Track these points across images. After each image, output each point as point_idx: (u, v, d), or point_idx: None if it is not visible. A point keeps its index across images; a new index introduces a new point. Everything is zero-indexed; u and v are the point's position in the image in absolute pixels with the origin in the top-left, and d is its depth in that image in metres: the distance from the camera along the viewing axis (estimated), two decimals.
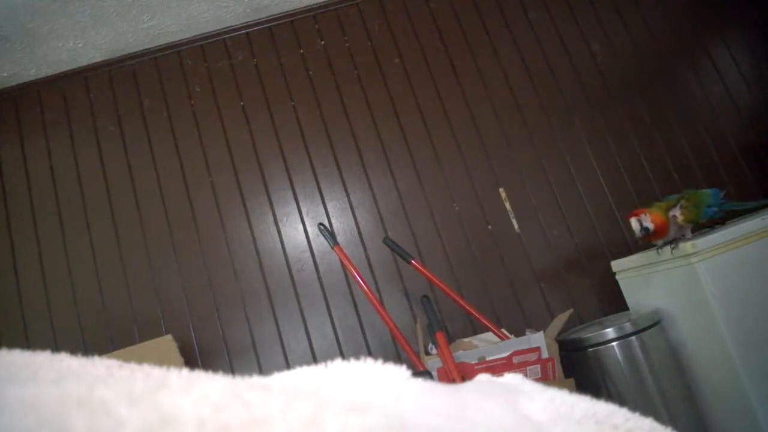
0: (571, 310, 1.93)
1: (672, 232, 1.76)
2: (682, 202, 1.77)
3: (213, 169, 2.38)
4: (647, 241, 1.81)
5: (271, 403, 0.18)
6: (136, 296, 2.23)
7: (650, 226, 1.72)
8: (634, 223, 1.75)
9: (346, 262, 1.98)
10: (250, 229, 2.33)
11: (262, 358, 2.20)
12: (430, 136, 2.43)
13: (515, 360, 1.70)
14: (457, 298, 1.97)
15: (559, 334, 1.87)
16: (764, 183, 2.41)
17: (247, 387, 0.20)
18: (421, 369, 1.78)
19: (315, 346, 2.21)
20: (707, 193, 1.84)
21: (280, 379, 0.29)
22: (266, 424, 0.17)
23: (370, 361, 0.30)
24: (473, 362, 1.73)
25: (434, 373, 1.74)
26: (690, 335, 1.79)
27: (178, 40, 2.49)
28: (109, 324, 2.20)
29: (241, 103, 2.45)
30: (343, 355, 2.18)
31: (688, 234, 1.76)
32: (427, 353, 1.92)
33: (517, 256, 2.30)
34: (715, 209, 1.81)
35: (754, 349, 1.61)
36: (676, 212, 1.76)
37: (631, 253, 2.06)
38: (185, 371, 0.22)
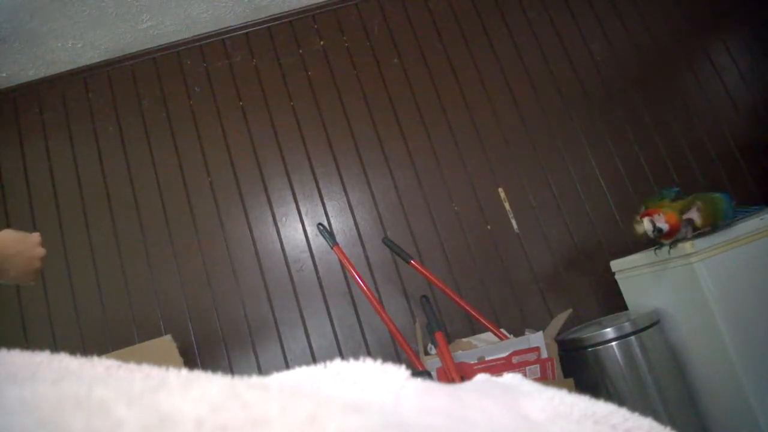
0: (570, 310, 1.93)
1: (681, 233, 1.71)
2: (699, 204, 1.70)
3: (212, 169, 2.38)
4: (660, 241, 1.75)
5: (270, 403, 0.18)
6: (136, 296, 2.23)
7: (664, 226, 1.66)
8: (647, 223, 1.68)
9: (345, 262, 1.98)
10: (249, 229, 2.33)
11: (261, 358, 2.20)
12: (429, 136, 2.43)
13: (514, 360, 1.70)
14: (456, 298, 1.97)
15: (559, 333, 1.87)
16: (764, 182, 2.41)
17: (246, 387, 0.20)
18: (420, 369, 1.78)
19: (314, 346, 2.21)
20: (721, 198, 1.77)
21: (279, 378, 0.29)
22: (265, 424, 0.17)
23: (369, 361, 0.30)
24: (472, 362, 1.73)
25: (433, 373, 1.74)
26: (689, 335, 1.79)
27: (177, 41, 2.49)
28: (109, 324, 2.19)
29: (240, 104, 2.45)
30: (342, 355, 2.18)
31: (689, 234, 1.75)
32: (426, 353, 1.92)
33: (516, 256, 2.30)
34: (732, 217, 1.74)
35: (753, 348, 1.62)
36: (693, 215, 1.70)
37: (630, 253, 2.06)
38: (184, 371, 0.22)
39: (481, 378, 0.39)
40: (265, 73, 2.49)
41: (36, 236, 0.97)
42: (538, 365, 1.68)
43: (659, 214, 1.68)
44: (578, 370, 1.81)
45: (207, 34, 2.50)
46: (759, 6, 2.64)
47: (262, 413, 0.18)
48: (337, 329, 2.23)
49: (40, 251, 0.97)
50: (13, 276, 0.92)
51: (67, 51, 2.33)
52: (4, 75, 2.35)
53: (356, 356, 0.31)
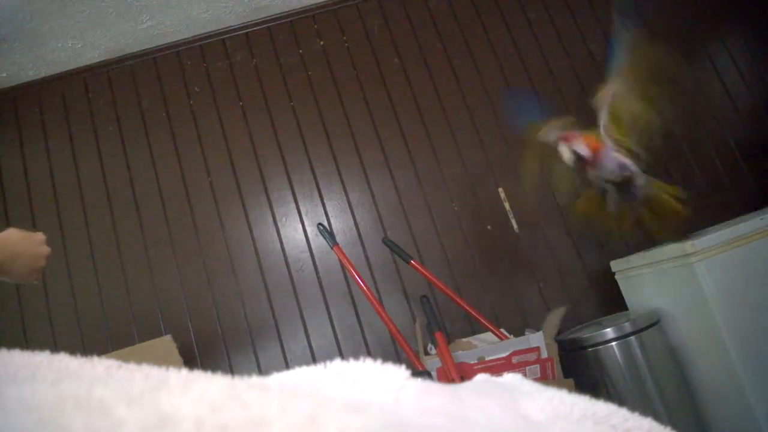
0: (563, 308, 1.93)
1: (610, 163, 1.46)
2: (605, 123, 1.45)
3: (212, 169, 2.38)
4: (583, 170, 1.52)
5: (270, 403, 0.18)
6: (135, 296, 2.23)
7: (584, 152, 1.45)
8: (566, 152, 1.47)
9: (345, 262, 1.98)
10: (249, 229, 2.33)
11: (261, 358, 2.20)
12: (429, 136, 2.43)
13: (514, 360, 1.70)
14: (456, 298, 1.97)
15: (558, 333, 1.87)
16: (764, 182, 2.41)
17: (246, 387, 0.20)
18: (421, 369, 1.78)
19: (314, 346, 2.21)
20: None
21: (279, 379, 0.29)
22: (265, 424, 0.17)
23: (369, 361, 0.30)
24: (472, 362, 1.73)
25: (433, 373, 1.74)
26: (689, 335, 1.79)
27: (177, 41, 2.49)
28: (108, 324, 2.19)
29: (240, 104, 2.45)
30: (342, 355, 2.18)
31: (641, 179, 1.47)
32: (426, 353, 1.92)
33: (516, 255, 2.30)
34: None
35: (753, 348, 1.61)
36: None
37: (630, 253, 2.06)
38: (184, 371, 0.22)
39: (481, 378, 0.39)
40: (265, 73, 2.49)
41: (40, 235, 0.98)
42: (538, 365, 1.68)
43: (578, 138, 1.47)
44: (578, 370, 1.81)
45: (207, 34, 2.50)
46: (759, 6, 2.64)
47: (262, 413, 0.18)
48: (337, 329, 2.23)
49: (45, 250, 0.97)
50: (18, 275, 0.92)
51: (67, 51, 2.32)
52: (4, 75, 2.35)
53: (356, 356, 0.31)
